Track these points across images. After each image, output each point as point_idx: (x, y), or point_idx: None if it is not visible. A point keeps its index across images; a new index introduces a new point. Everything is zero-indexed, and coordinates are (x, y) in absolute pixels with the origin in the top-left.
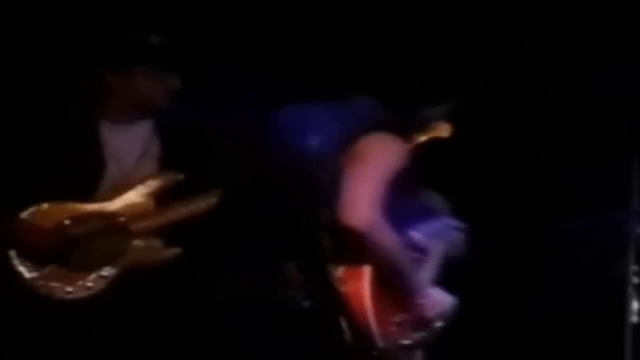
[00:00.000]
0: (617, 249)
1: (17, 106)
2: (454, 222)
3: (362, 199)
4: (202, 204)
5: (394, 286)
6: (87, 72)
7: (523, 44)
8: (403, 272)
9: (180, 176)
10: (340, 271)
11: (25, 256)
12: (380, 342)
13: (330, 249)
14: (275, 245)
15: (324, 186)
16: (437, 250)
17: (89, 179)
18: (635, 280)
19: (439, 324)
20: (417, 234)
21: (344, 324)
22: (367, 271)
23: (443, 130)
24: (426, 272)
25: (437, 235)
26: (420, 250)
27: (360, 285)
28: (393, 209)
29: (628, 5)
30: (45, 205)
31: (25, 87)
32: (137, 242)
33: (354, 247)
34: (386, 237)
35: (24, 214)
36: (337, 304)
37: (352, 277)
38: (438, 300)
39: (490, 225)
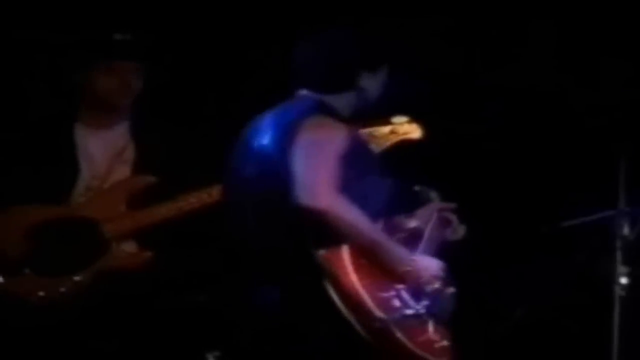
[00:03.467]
0: (605, 249)
1: None
2: (446, 205)
3: (316, 179)
4: (173, 207)
5: (377, 260)
6: (60, 73)
7: (520, 45)
8: (378, 244)
9: (152, 180)
10: (321, 255)
11: None
12: (378, 313)
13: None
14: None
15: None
16: (429, 233)
17: (63, 182)
18: (622, 280)
19: (434, 286)
20: (404, 218)
21: (339, 305)
22: (345, 249)
23: (413, 131)
24: (421, 248)
25: (429, 218)
26: (411, 233)
27: (342, 264)
28: (355, 191)
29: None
30: (18, 209)
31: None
32: (110, 247)
33: (325, 228)
34: (349, 213)
35: None
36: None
37: (334, 258)
38: (425, 265)
39: (483, 224)
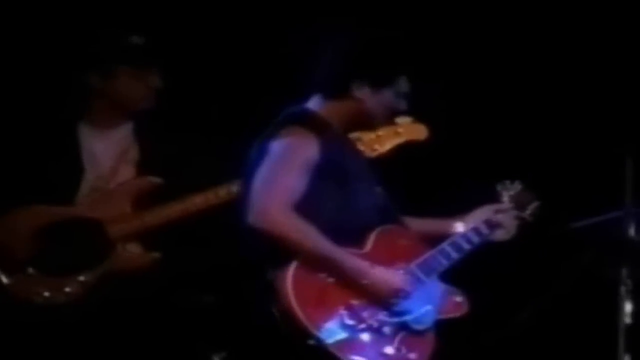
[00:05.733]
0: (611, 251)
1: None
2: (500, 206)
3: (266, 200)
4: (179, 208)
5: (333, 274)
6: (71, 73)
7: (522, 45)
8: (332, 260)
9: (158, 180)
10: (271, 275)
11: (3, 260)
12: (312, 329)
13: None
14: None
15: None
16: (458, 235)
17: (68, 183)
18: (628, 282)
19: (397, 299)
20: (447, 221)
21: (280, 324)
22: (292, 267)
23: (418, 132)
24: (426, 256)
25: (475, 221)
26: (420, 239)
27: (284, 286)
28: (333, 201)
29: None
30: (23, 209)
31: (5, 90)
32: (116, 248)
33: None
34: (298, 232)
35: (2, 218)
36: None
37: (278, 279)
38: (386, 278)
39: None
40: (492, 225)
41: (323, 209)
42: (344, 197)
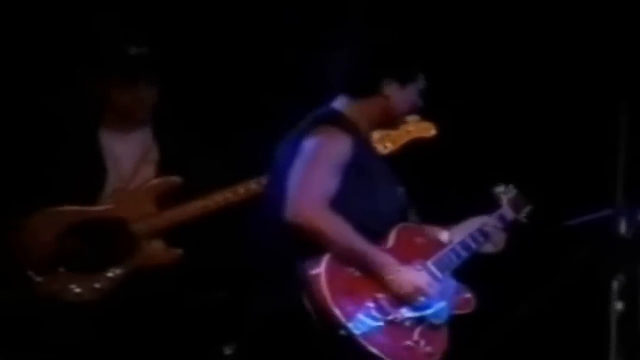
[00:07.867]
0: (603, 248)
1: (20, 115)
2: (499, 222)
3: (301, 196)
4: (200, 205)
5: (362, 268)
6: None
7: (518, 42)
8: (362, 255)
9: (179, 180)
10: (302, 266)
11: (33, 260)
12: (344, 320)
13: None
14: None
15: None
16: (455, 242)
17: (92, 184)
18: (620, 277)
19: (419, 298)
20: (437, 229)
21: (312, 314)
22: (325, 259)
23: (426, 130)
24: (440, 254)
25: (463, 232)
26: (431, 240)
27: (318, 276)
28: (362, 201)
29: None
30: (50, 211)
31: (27, 97)
32: (141, 244)
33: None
34: (332, 227)
35: (31, 220)
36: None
37: (311, 270)
38: (410, 276)
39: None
40: (485, 236)
41: (351, 207)
42: (370, 197)
